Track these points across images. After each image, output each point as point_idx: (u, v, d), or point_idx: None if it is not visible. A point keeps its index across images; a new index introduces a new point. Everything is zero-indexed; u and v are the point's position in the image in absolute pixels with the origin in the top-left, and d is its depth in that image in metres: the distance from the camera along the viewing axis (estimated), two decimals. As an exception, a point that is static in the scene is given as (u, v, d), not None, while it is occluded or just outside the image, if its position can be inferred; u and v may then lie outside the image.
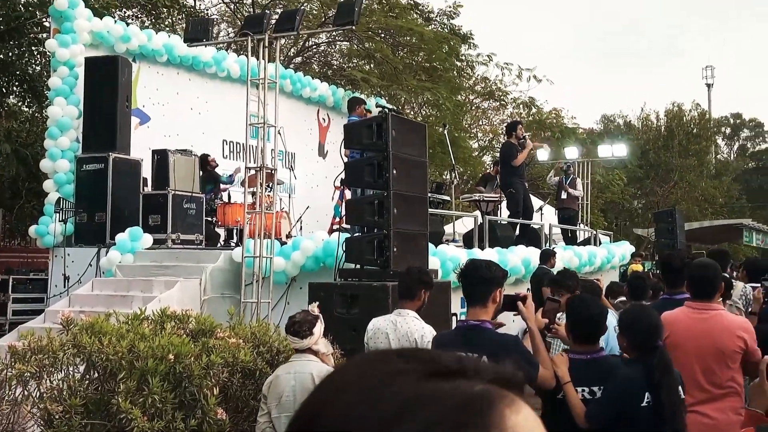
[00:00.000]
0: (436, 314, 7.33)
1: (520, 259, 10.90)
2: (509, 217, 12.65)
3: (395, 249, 6.84)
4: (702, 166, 40.39)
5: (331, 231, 11.98)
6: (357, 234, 7.72)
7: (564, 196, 14.70)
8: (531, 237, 12.81)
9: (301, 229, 13.27)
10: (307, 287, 9.42)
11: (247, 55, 9.15)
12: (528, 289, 11.25)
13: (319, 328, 4.95)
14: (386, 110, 10.45)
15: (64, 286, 10.47)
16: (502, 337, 3.82)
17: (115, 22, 12.33)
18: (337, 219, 17.33)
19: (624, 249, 15.15)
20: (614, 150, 17.92)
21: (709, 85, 61.21)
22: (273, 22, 8.91)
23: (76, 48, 11.48)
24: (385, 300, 6.51)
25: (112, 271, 10.10)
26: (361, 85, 16.20)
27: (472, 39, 23.28)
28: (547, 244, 13.07)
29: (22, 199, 14.00)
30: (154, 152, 11.26)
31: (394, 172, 6.84)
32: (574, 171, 15.44)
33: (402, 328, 4.75)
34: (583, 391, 3.83)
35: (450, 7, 22.92)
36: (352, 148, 7.32)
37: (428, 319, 7.11)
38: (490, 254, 10.35)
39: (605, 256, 14.04)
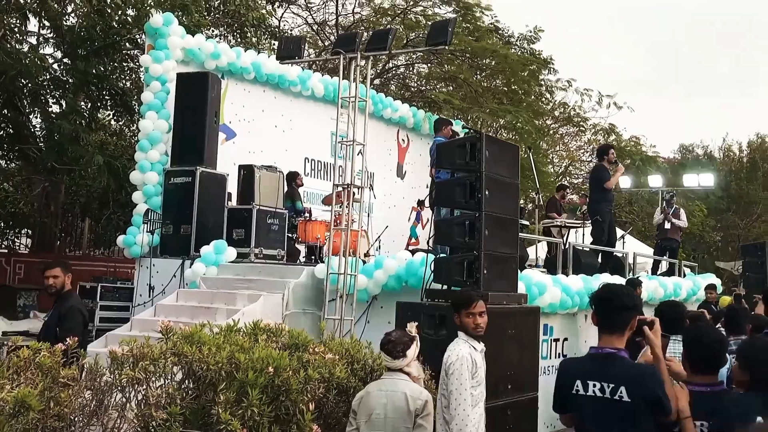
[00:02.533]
0: (525, 340, 7.21)
1: (604, 287, 10.61)
2: (593, 243, 12.39)
3: (485, 271, 6.73)
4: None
5: (407, 250, 11.89)
6: (445, 254, 7.60)
7: (668, 226, 14.36)
8: (614, 265, 12.51)
9: (379, 248, 13.25)
10: (390, 306, 9.42)
11: (339, 74, 9.20)
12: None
13: (414, 350, 4.89)
14: (473, 131, 10.39)
15: (149, 296, 10.66)
16: (639, 367, 3.69)
17: (206, 39, 12.60)
18: (413, 240, 17.33)
19: (709, 281, 14.66)
20: (700, 179, 17.46)
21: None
22: (364, 41, 8.94)
23: (168, 64, 11.76)
24: (474, 322, 6.40)
25: (197, 283, 10.24)
26: (443, 107, 16.15)
27: (552, 64, 23.12)
28: (631, 274, 12.76)
29: (110, 209, 14.35)
30: (240, 167, 11.43)
31: (486, 192, 6.77)
32: (676, 201, 15.04)
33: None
34: (702, 425, 3.66)
35: (531, 31, 22.81)
36: (445, 168, 7.27)
37: (518, 344, 6.99)
38: (575, 281, 10.14)
39: (690, 288, 13.62)
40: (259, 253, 11.01)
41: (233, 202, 11.76)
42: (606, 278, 10.98)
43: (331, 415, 4.72)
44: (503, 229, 7.07)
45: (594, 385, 3.57)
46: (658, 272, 14.63)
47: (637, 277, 11.45)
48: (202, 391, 4.38)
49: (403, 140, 16.85)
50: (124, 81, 15.97)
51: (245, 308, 9.12)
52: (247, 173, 11.24)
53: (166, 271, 10.87)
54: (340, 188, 9.91)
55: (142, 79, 15.82)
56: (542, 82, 23.01)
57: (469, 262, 6.77)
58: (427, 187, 16.24)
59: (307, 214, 12.82)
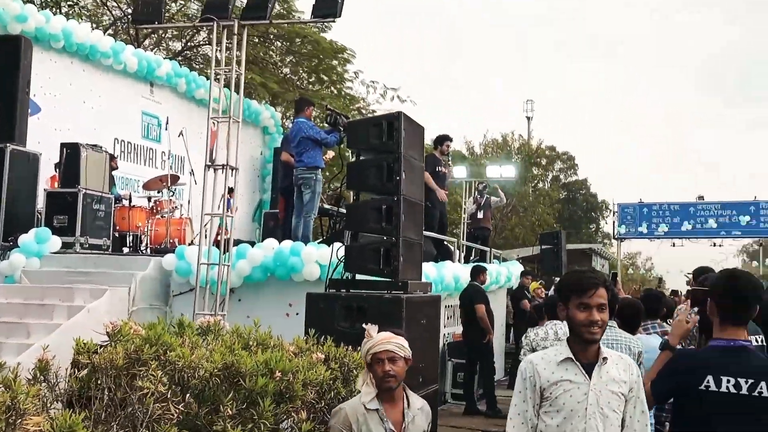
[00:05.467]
0: (432, 330, 6.94)
1: (451, 274, 10.69)
2: (426, 230, 12.38)
3: (401, 258, 6.37)
4: (536, 192, 42.41)
5: (216, 242, 11.19)
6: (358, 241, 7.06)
7: (480, 215, 14.74)
8: (444, 254, 12.64)
9: (206, 236, 12.33)
10: (250, 299, 8.75)
11: (211, 42, 8.31)
12: (459, 305, 11.09)
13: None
14: (335, 114, 9.95)
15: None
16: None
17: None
18: (222, 229, 16.39)
19: (516, 268, 15.36)
20: (503, 171, 18.30)
21: (529, 118, 64.56)
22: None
23: (-33, 23, 10.07)
24: (398, 313, 6.01)
25: (15, 277, 8.87)
26: (258, 90, 15.42)
27: (343, 54, 23.05)
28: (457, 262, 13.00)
29: None
30: (63, 145, 10.07)
31: (403, 175, 6.40)
32: (488, 191, 15.47)
33: None
34: None
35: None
36: (358, 148, 6.76)
37: (422, 335, 6.70)
38: (429, 268, 10.07)
39: (506, 275, 14.16)
40: (84, 242, 9.76)
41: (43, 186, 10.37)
42: (451, 266, 11.05)
43: (323, 423, 4.13)
44: (415, 214, 6.75)
45: (728, 381, 3.31)
46: (471, 260, 15.07)
47: (482, 264, 11.66)
48: (196, 403, 3.63)
49: (214, 123, 15.85)
50: None
51: (90, 305, 8.04)
52: (71, 152, 9.90)
53: (-36, 265, 9.29)
54: (213, 168, 8.97)
55: None
56: (336, 72, 22.93)
57: (386, 249, 6.35)
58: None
59: (125, 201, 11.62)
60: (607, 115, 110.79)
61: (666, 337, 4.54)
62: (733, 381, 3.31)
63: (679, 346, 4.20)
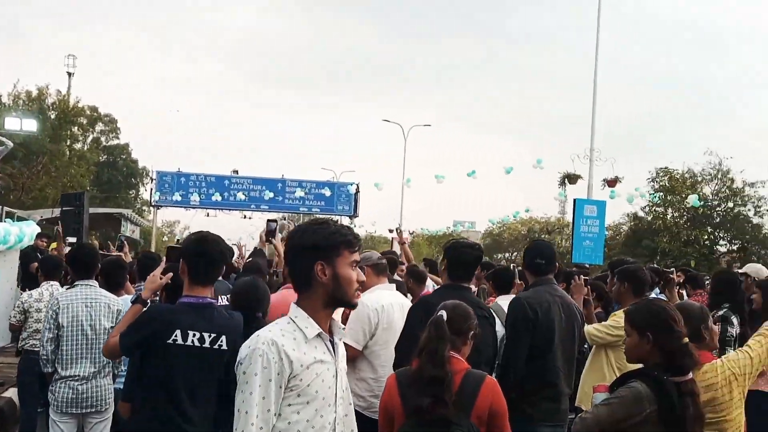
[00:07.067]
0: None
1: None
2: None
3: None
4: (73, 153, 40.39)
5: None
6: None
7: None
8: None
9: None
10: None
11: None
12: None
13: None
14: None
15: None
16: (235, 317, 3.88)
17: None
18: None
19: (31, 229, 14.29)
20: (24, 124, 16.87)
21: (70, 74, 61.25)
22: None
23: None
24: None
25: None
26: None
27: None
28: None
29: None
30: None
31: None
32: None
33: None
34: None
35: None
36: None
37: None
38: None
39: (18, 235, 13.08)
40: None
41: None
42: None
43: None
44: None
45: (194, 335, 3.55)
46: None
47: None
48: None
49: None
50: None
51: None
52: None
53: None
54: None
55: None
56: None
57: None
58: None
59: None
60: (153, 82, 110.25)
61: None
62: (198, 335, 3.57)
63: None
